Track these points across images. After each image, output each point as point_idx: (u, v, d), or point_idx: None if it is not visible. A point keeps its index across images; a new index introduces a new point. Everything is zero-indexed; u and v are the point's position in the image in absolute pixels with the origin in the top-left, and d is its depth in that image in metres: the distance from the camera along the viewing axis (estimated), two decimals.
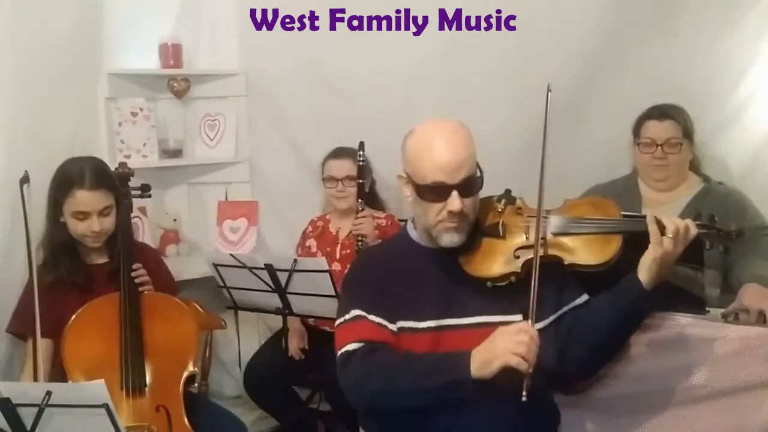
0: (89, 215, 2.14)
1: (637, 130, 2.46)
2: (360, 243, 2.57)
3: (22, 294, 2.22)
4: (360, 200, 2.62)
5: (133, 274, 2.16)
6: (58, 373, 2.06)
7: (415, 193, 1.65)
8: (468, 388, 1.51)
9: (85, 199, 2.13)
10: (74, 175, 2.15)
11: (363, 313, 1.67)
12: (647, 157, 2.40)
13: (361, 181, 2.62)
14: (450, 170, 1.58)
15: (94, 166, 2.20)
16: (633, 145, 2.48)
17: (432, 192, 1.61)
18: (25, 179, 1.94)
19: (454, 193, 1.58)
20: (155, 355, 2.08)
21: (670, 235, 1.52)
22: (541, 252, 1.61)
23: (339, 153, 2.78)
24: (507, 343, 1.47)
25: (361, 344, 1.63)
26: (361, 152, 2.60)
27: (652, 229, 1.54)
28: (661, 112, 2.40)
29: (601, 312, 1.63)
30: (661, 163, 2.38)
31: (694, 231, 1.55)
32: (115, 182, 2.22)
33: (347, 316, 1.69)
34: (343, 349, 1.65)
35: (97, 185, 2.15)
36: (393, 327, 1.67)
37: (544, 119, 1.61)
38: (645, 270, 1.55)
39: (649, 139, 2.39)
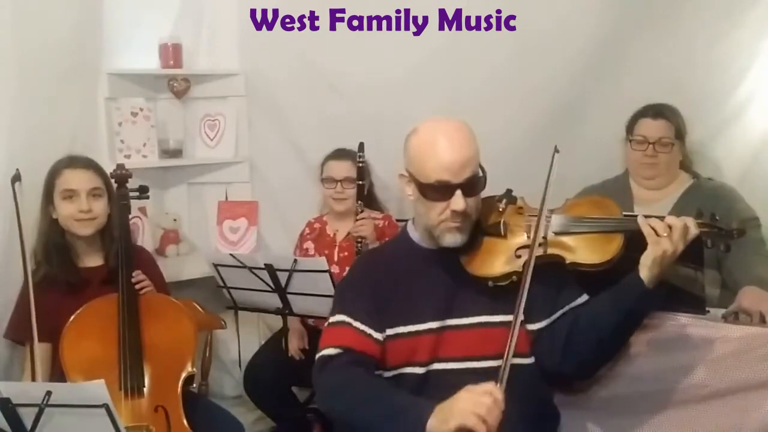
0: (78, 194, 2.15)
1: (630, 128, 2.46)
2: (359, 245, 2.57)
3: (18, 299, 2.22)
4: (359, 202, 2.61)
5: (133, 280, 2.16)
6: (58, 376, 2.06)
7: (418, 192, 1.64)
8: None
9: (73, 176, 2.17)
10: (64, 160, 2.21)
11: (348, 319, 1.67)
12: (638, 154, 2.41)
13: (360, 182, 2.61)
14: (454, 169, 1.58)
15: (85, 156, 2.25)
16: (625, 142, 2.49)
17: (435, 191, 1.60)
18: (16, 177, 1.94)
19: (458, 192, 1.58)
20: (154, 355, 2.07)
21: (665, 234, 1.51)
22: (541, 251, 1.61)
23: (339, 154, 2.77)
24: (469, 403, 1.40)
25: (339, 350, 1.63)
26: (360, 153, 2.59)
27: (647, 230, 1.54)
28: (656, 111, 2.41)
29: (603, 310, 1.62)
30: (651, 161, 2.38)
31: (694, 231, 1.55)
32: (105, 174, 2.24)
33: (332, 320, 1.70)
34: (322, 353, 1.65)
35: (86, 166, 2.19)
36: (378, 336, 1.66)
37: (546, 178, 1.61)
38: (645, 269, 1.54)
39: (641, 136, 2.40)
